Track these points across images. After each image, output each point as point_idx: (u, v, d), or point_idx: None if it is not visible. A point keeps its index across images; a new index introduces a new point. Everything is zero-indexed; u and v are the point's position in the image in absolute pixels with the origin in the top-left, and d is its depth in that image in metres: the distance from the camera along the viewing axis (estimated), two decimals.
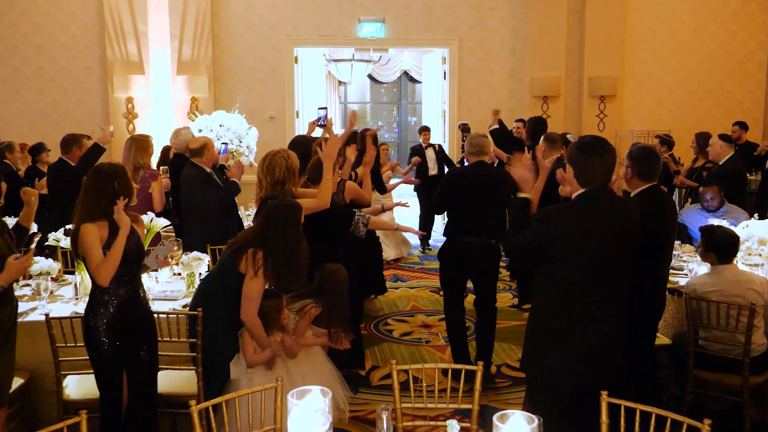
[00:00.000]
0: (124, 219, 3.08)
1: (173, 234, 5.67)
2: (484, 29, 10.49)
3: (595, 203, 2.81)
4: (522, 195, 3.11)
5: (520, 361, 3.05)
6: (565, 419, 2.60)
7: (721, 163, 6.38)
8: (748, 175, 8.50)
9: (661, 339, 4.12)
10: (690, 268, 4.68)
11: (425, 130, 9.38)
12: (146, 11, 9.60)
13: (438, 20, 10.41)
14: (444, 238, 4.83)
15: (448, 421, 1.60)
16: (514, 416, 1.65)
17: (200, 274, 4.33)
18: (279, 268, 3.22)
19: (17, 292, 4.24)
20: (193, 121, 8.18)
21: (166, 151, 6.95)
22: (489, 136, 5.99)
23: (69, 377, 3.57)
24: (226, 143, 6.76)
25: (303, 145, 5.23)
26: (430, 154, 9.08)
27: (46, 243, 4.40)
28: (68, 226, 4.36)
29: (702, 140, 7.03)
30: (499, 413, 1.69)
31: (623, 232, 2.84)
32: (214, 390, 3.26)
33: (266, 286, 3.29)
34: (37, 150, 7.38)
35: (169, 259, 4.22)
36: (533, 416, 1.68)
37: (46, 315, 3.44)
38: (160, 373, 3.41)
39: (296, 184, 4.05)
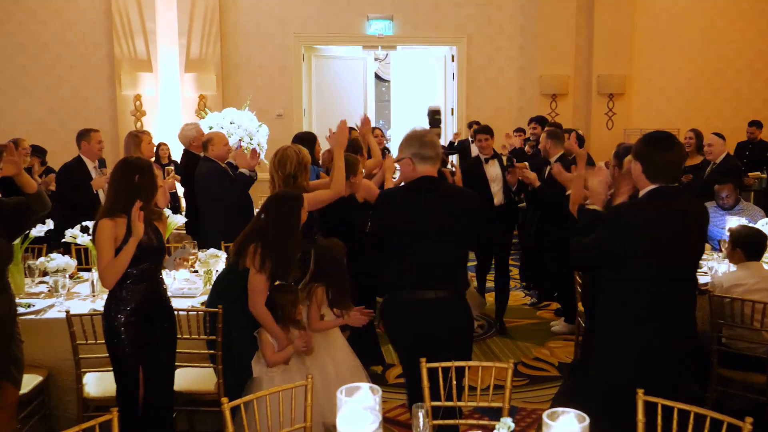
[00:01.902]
0: (137, 227, 3.02)
1: (183, 231, 5.65)
2: (492, 27, 10.46)
3: (668, 200, 2.73)
4: (591, 206, 3.00)
5: (571, 364, 3.00)
6: (620, 420, 2.53)
7: (719, 161, 6.31)
8: (760, 173, 8.49)
9: None
10: (709, 266, 4.64)
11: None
12: (154, 8, 9.58)
13: (446, 18, 10.38)
14: None
15: (502, 419, 1.56)
16: (565, 414, 1.61)
17: (217, 271, 4.29)
18: (272, 260, 3.19)
19: (33, 290, 4.23)
20: (202, 118, 8.16)
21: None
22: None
23: (88, 374, 3.54)
24: (241, 139, 6.75)
25: (310, 141, 5.24)
26: None
27: (63, 240, 4.36)
28: (86, 223, 4.35)
29: (701, 138, 6.92)
30: (549, 411, 1.66)
31: (696, 230, 2.79)
32: (234, 388, 3.23)
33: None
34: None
35: (186, 263, 4.23)
36: (583, 414, 1.64)
37: (67, 312, 3.40)
38: (177, 371, 3.38)
39: (307, 178, 4.03)
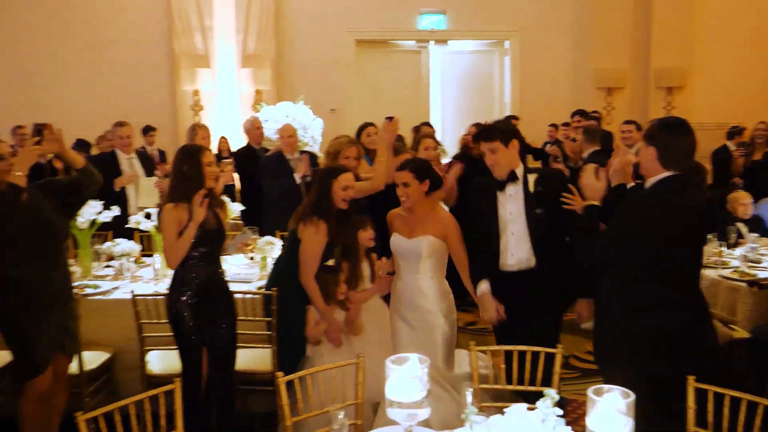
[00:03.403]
0: (197, 211, 3.17)
1: (240, 221, 5.83)
2: (546, 20, 10.35)
3: (679, 189, 2.67)
4: (591, 203, 2.89)
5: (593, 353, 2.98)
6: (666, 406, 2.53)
7: None
8: None
9: (740, 333, 4.00)
10: None
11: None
12: (212, 6, 9.83)
13: (499, 11, 10.32)
14: None
15: (546, 390, 1.60)
16: (610, 391, 1.64)
17: (272, 258, 4.43)
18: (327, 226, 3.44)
19: (100, 272, 4.45)
20: (258, 112, 8.36)
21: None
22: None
23: (151, 353, 3.71)
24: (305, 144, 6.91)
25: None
26: None
27: (127, 225, 4.58)
28: (148, 210, 4.56)
29: None
30: (594, 387, 1.69)
31: (704, 219, 2.76)
32: (289, 367, 3.34)
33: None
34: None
35: (246, 248, 4.42)
36: (628, 391, 1.67)
37: (132, 293, 3.58)
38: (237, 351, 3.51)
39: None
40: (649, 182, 2.73)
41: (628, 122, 6.96)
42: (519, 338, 2.86)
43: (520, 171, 3.26)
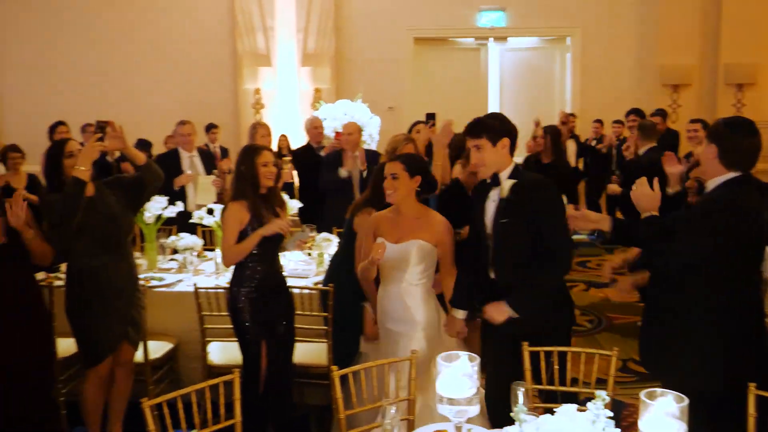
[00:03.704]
0: (268, 227, 3.28)
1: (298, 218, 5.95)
2: (609, 15, 10.12)
3: (745, 191, 2.55)
4: (649, 213, 2.70)
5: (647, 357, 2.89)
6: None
7: None
8: None
9: None
10: None
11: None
12: (273, 6, 10.02)
13: (560, 7, 10.15)
14: None
15: (597, 392, 1.60)
16: (664, 394, 1.63)
17: (329, 254, 4.52)
18: None
19: (164, 265, 4.62)
20: (317, 110, 8.49)
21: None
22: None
23: (212, 344, 3.85)
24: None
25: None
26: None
27: (191, 221, 4.74)
28: (210, 206, 4.72)
29: None
30: (646, 390, 1.67)
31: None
32: (343, 361, 3.41)
33: None
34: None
35: (304, 245, 4.53)
36: (682, 396, 1.65)
37: (195, 286, 3.72)
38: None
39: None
40: (711, 183, 2.63)
41: (694, 121, 6.66)
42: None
43: (506, 174, 2.88)
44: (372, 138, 7.61)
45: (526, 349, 2.67)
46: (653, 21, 9.92)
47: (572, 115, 9.24)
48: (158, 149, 7.97)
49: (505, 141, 2.87)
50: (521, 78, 10.88)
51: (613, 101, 9.86)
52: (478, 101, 10.61)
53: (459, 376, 1.61)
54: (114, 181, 3.63)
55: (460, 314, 3.09)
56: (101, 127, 3.42)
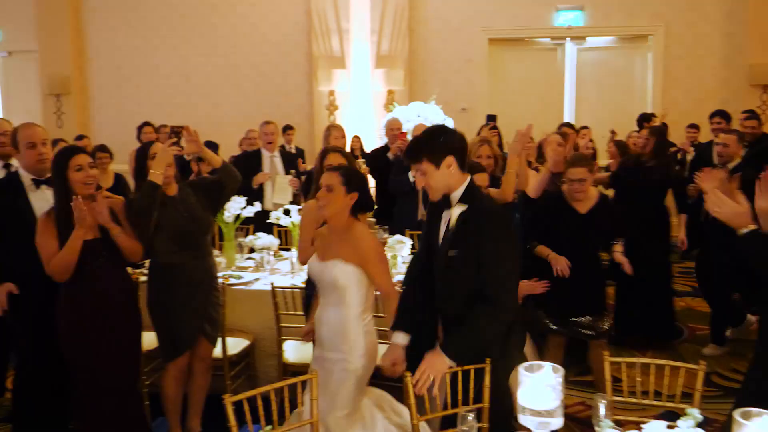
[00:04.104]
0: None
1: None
2: (694, 12, 9.72)
3: None
4: (748, 228, 2.42)
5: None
6: None
7: None
8: None
9: None
10: None
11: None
12: (348, 8, 10.12)
13: (642, 5, 9.82)
14: None
15: (688, 410, 1.53)
16: (761, 415, 1.54)
17: (402, 256, 4.52)
18: None
19: (242, 264, 4.74)
20: (390, 112, 8.52)
21: None
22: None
23: (288, 342, 3.92)
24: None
25: None
26: None
27: (267, 221, 4.85)
28: (288, 206, 4.81)
29: None
30: (741, 410, 1.59)
31: None
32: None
33: None
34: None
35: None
36: None
37: (272, 285, 3.79)
38: None
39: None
40: None
41: (714, 114, 6.29)
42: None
43: (457, 195, 2.59)
44: None
45: (607, 359, 2.60)
46: (741, 18, 9.47)
47: (652, 115, 8.91)
48: (233, 150, 8.19)
49: (449, 159, 2.54)
50: (599, 78, 10.59)
51: (696, 103, 9.47)
52: (554, 102, 10.41)
53: (542, 386, 1.57)
54: (197, 182, 3.77)
55: (401, 338, 2.77)
56: (176, 132, 3.55)
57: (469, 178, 2.60)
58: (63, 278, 3.25)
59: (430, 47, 10.28)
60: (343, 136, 6.07)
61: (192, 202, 3.58)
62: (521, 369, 1.63)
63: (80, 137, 7.76)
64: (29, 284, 3.49)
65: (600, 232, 4.05)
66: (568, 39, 10.45)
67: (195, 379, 3.69)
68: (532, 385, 1.59)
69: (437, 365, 2.48)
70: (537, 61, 10.70)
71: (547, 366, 1.64)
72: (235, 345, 4.02)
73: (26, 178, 3.62)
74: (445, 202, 2.61)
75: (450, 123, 7.69)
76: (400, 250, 4.61)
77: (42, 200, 3.57)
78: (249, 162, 5.39)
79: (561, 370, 1.64)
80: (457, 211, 2.57)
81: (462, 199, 2.57)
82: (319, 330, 3.02)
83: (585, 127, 7.77)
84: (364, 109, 10.02)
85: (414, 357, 3.47)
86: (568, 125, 7.06)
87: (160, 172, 3.39)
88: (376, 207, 5.38)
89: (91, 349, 3.30)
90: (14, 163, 4.41)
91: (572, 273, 3.87)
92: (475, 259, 2.51)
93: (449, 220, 2.59)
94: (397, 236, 4.73)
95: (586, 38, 10.52)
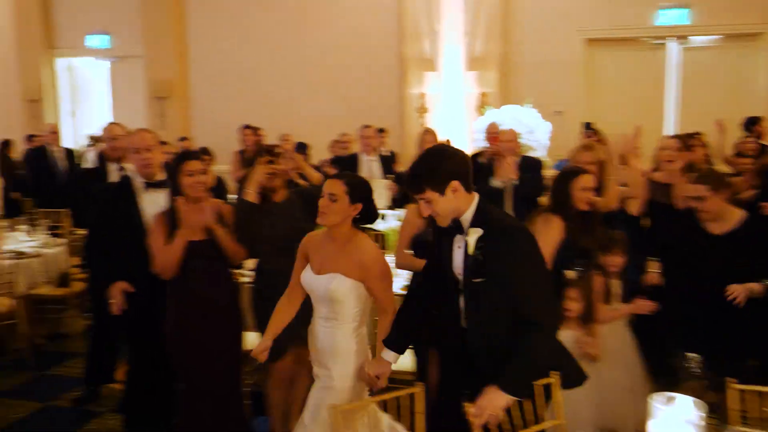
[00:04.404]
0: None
1: None
2: None
3: None
4: None
5: None
6: None
7: None
8: None
9: None
10: None
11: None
12: (440, 10, 10.06)
13: (753, 2, 9.24)
14: None
15: None
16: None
17: None
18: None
19: None
20: (482, 115, 8.41)
21: None
22: None
23: None
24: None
25: None
26: None
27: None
28: (383, 211, 4.81)
29: None
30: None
31: None
32: None
33: None
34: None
35: None
36: None
37: None
38: None
39: None
40: None
41: None
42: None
43: (468, 217, 2.44)
44: (540, 144, 7.38)
45: (733, 388, 2.43)
46: None
47: (760, 119, 8.35)
48: (323, 152, 8.30)
49: (454, 184, 2.38)
50: (704, 79, 10.04)
51: None
52: (655, 105, 9.97)
53: (680, 421, 1.47)
54: (306, 190, 3.85)
55: (391, 357, 2.70)
56: (269, 151, 3.64)
57: (477, 198, 2.45)
58: (167, 275, 3.38)
59: (524, 48, 10.05)
60: (436, 141, 6.02)
61: (296, 209, 3.65)
62: (655, 400, 1.53)
63: (183, 139, 8.08)
64: (139, 282, 3.64)
65: (744, 258, 3.46)
66: (670, 39, 9.99)
67: (297, 382, 3.74)
68: (666, 418, 1.49)
69: (497, 402, 2.33)
70: (636, 62, 10.27)
71: (687, 399, 1.52)
72: None
73: (137, 181, 3.79)
74: (457, 227, 2.46)
75: (546, 126, 7.50)
76: None
77: (151, 202, 3.73)
78: (346, 166, 5.44)
79: (705, 407, 1.52)
80: (473, 236, 2.41)
81: (475, 222, 2.42)
82: (311, 343, 2.95)
83: (696, 134, 7.11)
84: (455, 112, 9.93)
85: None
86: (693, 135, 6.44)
87: (252, 190, 3.51)
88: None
89: (193, 348, 3.41)
90: (128, 166, 4.64)
91: (713, 307, 3.44)
92: (504, 284, 2.39)
93: (466, 246, 2.43)
94: None
95: (689, 37, 10.03)
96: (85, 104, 12.30)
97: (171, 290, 3.45)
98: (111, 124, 5.00)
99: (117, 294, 3.62)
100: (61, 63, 12.00)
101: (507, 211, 5.05)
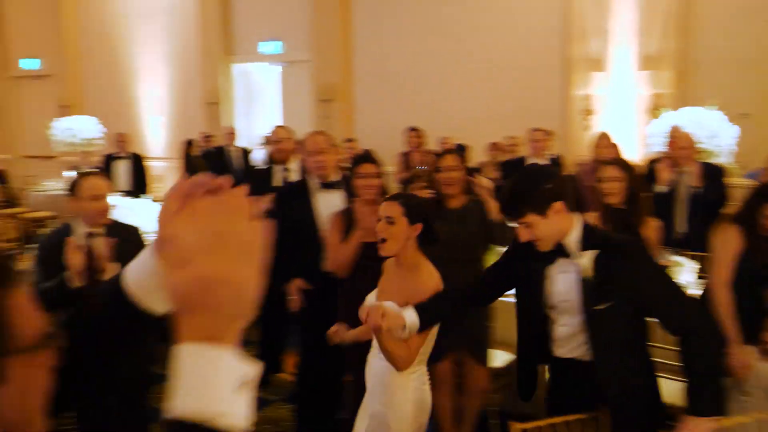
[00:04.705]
0: None
1: None
2: None
3: None
4: None
5: None
6: None
7: None
8: None
9: None
10: None
11: None
12: (609, 8, 9.58)
13: None
14: None
15: None
16: None
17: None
18: None
19: None
20: (656, 118, 7.88)
21: None
22: None
23: None
24: None
25: None
26: None
27: None
28: None
29: None
30: None
31: None
32: None
33: None
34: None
35: None
36: None
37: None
38: None
39: None
40: None
41: None
42: None
43: (573, 240, 2.30)
44: (724, 149, 6.76)
45: None
46: None
47: None
48: (480, 156, 8.20)
49: (558, 206, 2.25)
50: None
51: None
52: None
53: None
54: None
55: (412, 317, 2.42)
56: (419, 177, 3.65)
57: (581, 218, 2.32)
58: (340, 273, 3.48)
59: (707, 44, 9.25)
60: (611, 145, 5.72)
61: (473, 217, 3.61)
62: None
63: (349, 140, 8.35)
64: (313, 279, 3.78)
65: None
66: None
67: (466, 393, 3.71)
68: None
69: (702, 426, 2.16)
70: None
71: None
72: (498, 358, 3.96)
73: (313, 181, 3.94)
74: (560, 251, 2.31)
75: (733, 131, 6.87)
76: (679, 274, 4.18)
77: (326, 202, 3.86)
78: (513, 169, 5.33)
79: None
80: (587, 258, 2.27)
81: (586, 244, 2.28)
82: (366, 375, 2.75)
83: None
84: (624, 114, 9.40)
85: None
86: None
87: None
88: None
89: (359, 346, 3.46)
90: (291, 167, 4.87)
91: None
92: (639, 304, 2.30)
93: (578, 270, 2.29)
94: (676, 257, 4.31)
95: None
96: (258, 107, 13.10)
97: (341, 291, 3.54)
98: (277, 127, 5.26)
99: (295, 291, 3.77)
100: (237, 68, 12.87)
101: (680, 219, 4.72)
